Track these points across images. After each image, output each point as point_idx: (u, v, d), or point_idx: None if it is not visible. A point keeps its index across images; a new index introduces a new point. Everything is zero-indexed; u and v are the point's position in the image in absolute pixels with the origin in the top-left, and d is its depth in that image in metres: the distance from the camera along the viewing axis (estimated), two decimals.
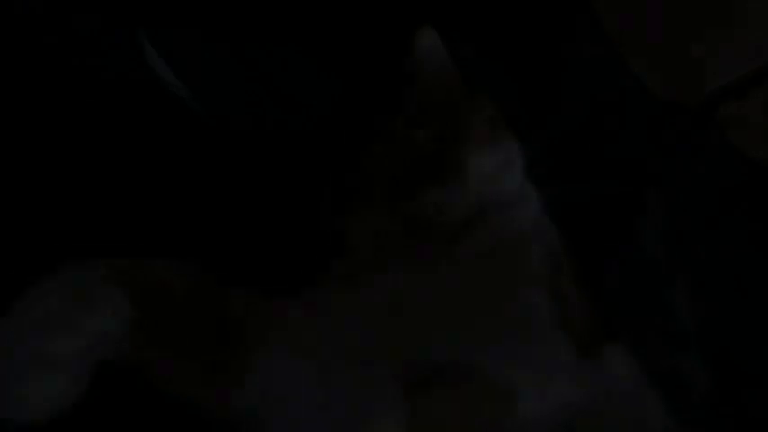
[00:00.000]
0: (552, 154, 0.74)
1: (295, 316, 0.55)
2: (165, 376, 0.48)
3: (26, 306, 0.41)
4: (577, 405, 0.49)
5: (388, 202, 0.59)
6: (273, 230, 0.64)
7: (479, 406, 0.43)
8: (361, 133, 0.66)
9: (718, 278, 0.81)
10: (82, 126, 0.61)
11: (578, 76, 0.81)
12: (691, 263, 0.80)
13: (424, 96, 0.67)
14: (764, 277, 0.83)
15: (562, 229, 0.64)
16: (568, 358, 0.51)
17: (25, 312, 0.41)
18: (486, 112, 0.68)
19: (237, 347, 0.51)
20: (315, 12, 0.70)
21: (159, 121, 0.64)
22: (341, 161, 0.66)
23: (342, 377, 0.44)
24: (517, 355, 0.49)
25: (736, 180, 0.91)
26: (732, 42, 1.10)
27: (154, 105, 0.64)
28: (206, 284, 0.51)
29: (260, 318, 0.53)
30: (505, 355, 0.48)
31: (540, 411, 0.46)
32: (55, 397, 0.40)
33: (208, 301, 0.51)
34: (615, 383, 0.53)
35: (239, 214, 0.64)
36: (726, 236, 0.85)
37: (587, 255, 0.68)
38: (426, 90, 0.68)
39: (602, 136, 0.79)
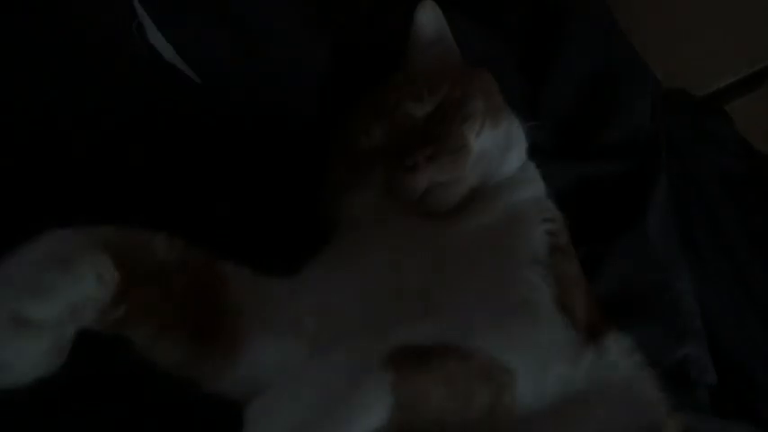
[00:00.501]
0: (556, 130, 0.73)
1: (283, 290, 0.54)
2: (151, 345, 0.46)
3: (5, 269, 0.39)
4: (576, 390, 0.48)
5: (386, 176, 0.58)
6: (273, 205, 0.62)
7: (475, 384, 0.41)
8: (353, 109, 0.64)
9: (718, 271, 0.81)
10: (81, 99, 0.59)
11: (580, 48, 0.80)
12: (692, 252, 0.80)
13: (421, 68, 0.66)
14: (761, 270, 0.83)
15: (566, 209, 0.62)
16: (568, 343, 0.50)
17: (4, 276, 0.39)
18: (488, 86, 0.66)
19: (226, 320, 0.49)
20: None
21: (158, 96, 0.62)
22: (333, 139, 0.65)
23: (330, 350, 0.42)
24: (517, 337, 0.47)
25: (740, 169, 0.91)
26: (735, 42, 1.12)
27: (153, 80, 0.62)
28: (193, 253, 0.49)
29: (249, 291, 0.51)
30: (506, 337, 0.47)
31: (539, 394, 0.45)
32: (34, 363, 0.39)
33: (195, 271, 0.49)
34: (615, 370, 0.51)
35: (238, 191, 0.63)
36: (726, 227, 0.85)
37: (591, 238, 0.68)
38: (424, 61, 0.66)
39: (606, 111, 0.78)
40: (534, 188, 0.62)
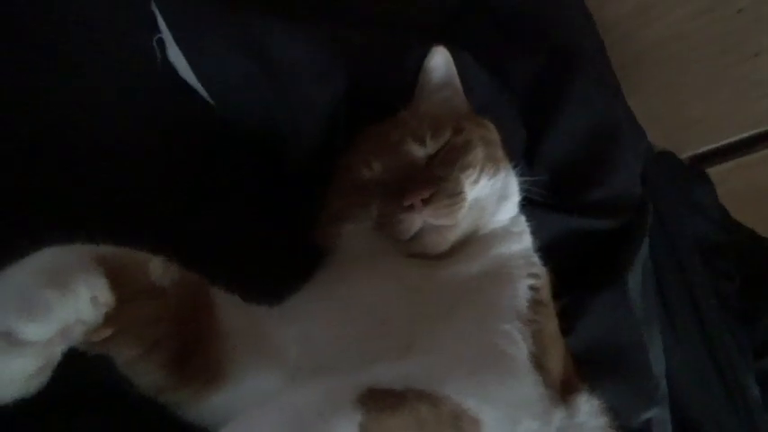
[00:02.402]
0: (548, 182, 0.73)
1: (271, 318, 0.54)
2: (134, 366, 0.46)
3: (0, 285, 0.38)
4: None
5: (381, 211, 0.58)
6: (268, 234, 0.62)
7: (441, 430, 0.41)
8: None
9: (686, 332, 0.82)
10: (91, 103, 0.59)
11: (581, 106, 0.81)
12: (663, 311, 0.81)
13: (427, 109, 0.66)
14: (727, 333, 0.85)
15: (552, 260, 0.63)
16: (539, 401, 0.50)
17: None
18: (490, 136, 0.67)
19: (212, 345, 0.49)
20: None
21: (167, 112, 0.62)
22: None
23: (305, 384, 0.42)
24: (490, 389, 0.48)
25: (715, 236, 0.93)
26: (727, 108, 1.15)
27: (165, 95, 0.62)
28: (187, 278, 0.49)
29: (238, 318, 0.51)
30: (479, 388, 0.47)
31: None
32: (20, 380, 0.38)
33: (187, 296, 0.48)
34: (583, 431, 0.52)
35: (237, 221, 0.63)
36: (697, 290, 0.87)
37: (574, 290, 0.69)
38: (431, 104, 0.67)
39: (599, 169, 0.80)
40: (523, 241, 0.63)
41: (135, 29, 0.61)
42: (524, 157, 0.75)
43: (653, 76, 1.17)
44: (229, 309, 0.51)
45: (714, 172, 1.12)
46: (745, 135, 1.22)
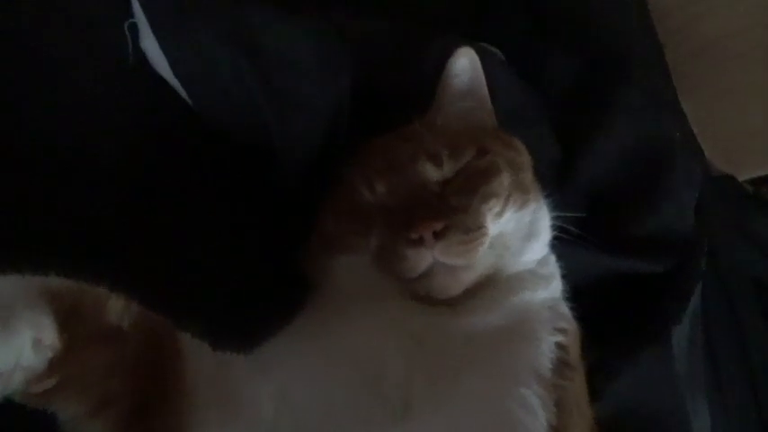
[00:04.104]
0: (586, 215, 0.73)
1: (244, 369, 0.54)
2: (80, 425, 0.46)
3: None
4: None
5: (383, 243, 0.58)
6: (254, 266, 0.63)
7: None
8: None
9: (738, 401, 0.83)
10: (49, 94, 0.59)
11: (628, 121, 0.81)
12: (711, 372, 0.81)
13: (446, 122, 0.66)
14: None
15: (583, 307, 0.63)
16: None
17: None
18: (518, 159, 0.66)
19: (174, 400, 0.49)
20: None
21: (138, 109, 0.62)
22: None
23: None
24: None
25: None
26: None
27: (136, 90, 0.62)
28: (149, 320, 0.49)
29: (206, 368, 0.51)
30: None
31: None
32: None
33: (148, 341, 0.49)
34: None
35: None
36: (753, 347, 0.86)
37: (607, 344, 0.69)
38: (450, 115, 0.67)
39: (645, 198, 0.80)
40: (552, 288, 0.63)
41: (108, 13, 0.61)
42: (556, 183, 0.75)
43: (710, 78, 1.16)
44: (196, 359, 0.51)
45: None
46: None
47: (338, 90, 0.65)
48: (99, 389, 0.46)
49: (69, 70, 0.59)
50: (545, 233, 0.65)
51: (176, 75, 0.61)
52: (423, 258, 0.56)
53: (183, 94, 0.63)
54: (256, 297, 0.61)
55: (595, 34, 0.84)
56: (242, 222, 0.64)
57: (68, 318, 0.43)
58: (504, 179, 0.62)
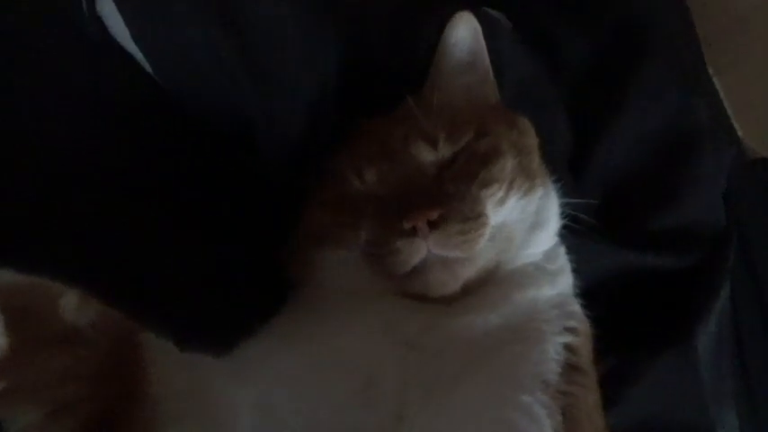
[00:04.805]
0: (601, 203, 0.73)
1: (219, 375, 0.53)
2: None
3: None
4: None
5: (373, 234, 0.58)
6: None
7: None
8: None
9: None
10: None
11: (651, 98, 0.80)
12: (740, 380, 0.80)
13: (443, 99, 0.65)
14: None
15: (599, 306, 0.62)
16: None
17: None
18: (524, 141, 0.65)
19: (139, 408, 0.49)
20: None
21: (96, 84, 0.61)
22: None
23: None
24: None
25: None
26: None
27: (94, 64, 0.61)
28: (111, 320, 0.49)
29: (174, 374, 0.51)
30: None
31: None
32: None
33: (109, 343, 0.48)
34: None
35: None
36: None
37: (625, 348, 0.69)
38: (448, 91, 0.66)
39: (669, 186, 0.79)
40: (559, 284, 0.62)
41: None
42: (570, 169, 0.74)
43: (746, 53, 1.13)
44: (164, 362, 0.50)
45: None
46: None
47: (325, 68, 0.64)
48: (54, 395, 0.45)
49: (22, 39, 0.59)
50: (553, 222, 0.64)
51: (140, 47, 0.60)
52: (416, 250, 0.55)
53: (149, 68, 0.61)
54: (232, 295, 0.60)
55: (614, 1, 0.83)
56: (217, 215, 0.63)
57: (18, 317, 0.43)
58: (507, 163, 0.61)
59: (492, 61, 0.68)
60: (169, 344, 0.51)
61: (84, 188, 0.58)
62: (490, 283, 0.59)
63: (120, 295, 0.49)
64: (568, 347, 0.57)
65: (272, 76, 0.61)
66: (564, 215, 0.65)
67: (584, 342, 0.59)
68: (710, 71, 0.89)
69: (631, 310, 0.73)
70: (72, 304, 0.47)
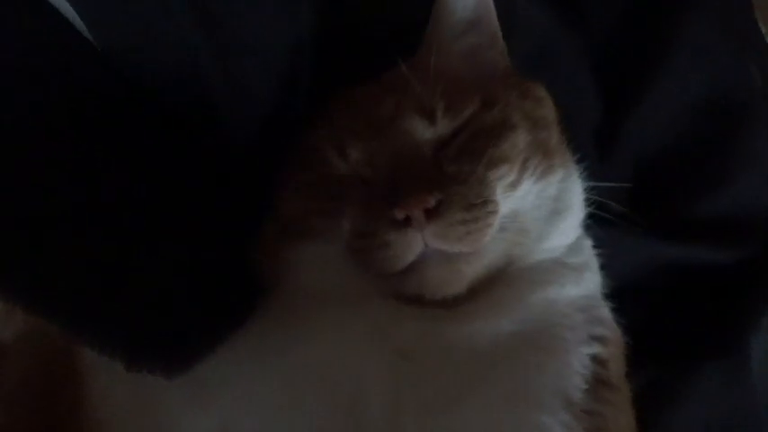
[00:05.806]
0: (633, 188, 0.72)
1: (175, 397, 0.53)
2: None
3: None
4: None
5: (358, 225, 0.57)
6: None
7: None
8: None
9: None
10: None
11: (694, 59, 0.78)
12: None
13: (442, 65, 0.63)
14: None
15: (633, 310, 0.62)
16: None
17: None
18: (540, 112, 0.64)
19: None
20: None
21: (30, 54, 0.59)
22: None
23: None
24: None
25: None
26: None
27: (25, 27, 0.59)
28: (41, 334, 0.49)
29: (120, 397, 0.51)
30: None
31: None
32: None
33: (39, 361, 0.49)
34: None
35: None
36: None
37: (663, 359, 0.68)
38: (448, 56, 0.65)
39: (713, 166, 0.77)
40: (586, 282, 0.62)
41: None
42: (597, 145, 0.73)
43: None
44: (107, 383, 0.51)
45: None
46: None
47: (299, 26, 0.62)
48: None
49: None
50: (577, 211, 0.63)
51: (80, 11, 0.58)
52: (411, 245, 0.54)
53: (83, 28, 0.59)
54: (191, 299, 0.58)
55: None
56: (173, 202, 0.61)
57: None
58: (520, 138, 0.60)
59: (500, 17, 0.66)
60: (111, 362, 0.50)
61: (24, 175, 0.56)
62: (500, 283, 0.59)
63: (48, 304, 0.48)
64: (596, 359, 0.57)
65: (233, 33, 0.59)
66: (590, 201, 0.64)
67: (614, 353, 0.59)
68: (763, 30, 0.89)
69: (671, 315, 0.73)
70: None
